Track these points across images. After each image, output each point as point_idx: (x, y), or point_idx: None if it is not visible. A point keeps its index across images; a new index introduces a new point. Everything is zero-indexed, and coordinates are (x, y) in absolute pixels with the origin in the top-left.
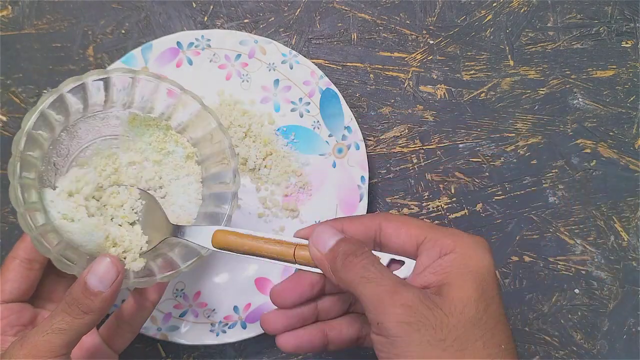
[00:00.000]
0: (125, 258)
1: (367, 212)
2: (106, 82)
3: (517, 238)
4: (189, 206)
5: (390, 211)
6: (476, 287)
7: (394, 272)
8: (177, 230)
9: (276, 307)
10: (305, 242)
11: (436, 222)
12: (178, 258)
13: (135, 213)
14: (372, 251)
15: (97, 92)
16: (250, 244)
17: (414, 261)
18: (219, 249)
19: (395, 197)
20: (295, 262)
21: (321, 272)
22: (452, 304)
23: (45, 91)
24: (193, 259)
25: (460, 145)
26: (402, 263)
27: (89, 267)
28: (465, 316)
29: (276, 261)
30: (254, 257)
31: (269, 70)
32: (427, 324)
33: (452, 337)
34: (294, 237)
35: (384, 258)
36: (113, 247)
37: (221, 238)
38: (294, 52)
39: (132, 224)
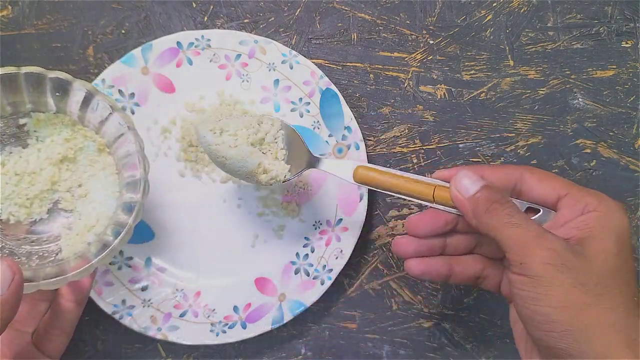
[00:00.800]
0: None
1: (367, 212)
2: (39, 83)
3: None
4: (108, 200)
5: (390, 211)
6: (616, 243)
7: (533, 218)
8: (318, 161)
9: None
10: (444, 184)
11: None
12: (92, 255)
13: (277, 143)
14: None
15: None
16: (391, 181)
17: (551, 211)
18: (360, 183)
19: (395, 197)
20: (433, 202)
21: (457, 213)
22: (594, 254)
23: None
24: (104, 252)
25: (460, 145)
26: (537, 212)
27: None
28: (606, 265)
29: (415, 199)
30: (394, 193)
31: (269, 70)
32: (571, 267)
33: (593, 282)
34: (432, 177)
35: (520, 206)
36: (263, 174)
37: (363, 173)
38: (294, 52)
39: (277, 153)
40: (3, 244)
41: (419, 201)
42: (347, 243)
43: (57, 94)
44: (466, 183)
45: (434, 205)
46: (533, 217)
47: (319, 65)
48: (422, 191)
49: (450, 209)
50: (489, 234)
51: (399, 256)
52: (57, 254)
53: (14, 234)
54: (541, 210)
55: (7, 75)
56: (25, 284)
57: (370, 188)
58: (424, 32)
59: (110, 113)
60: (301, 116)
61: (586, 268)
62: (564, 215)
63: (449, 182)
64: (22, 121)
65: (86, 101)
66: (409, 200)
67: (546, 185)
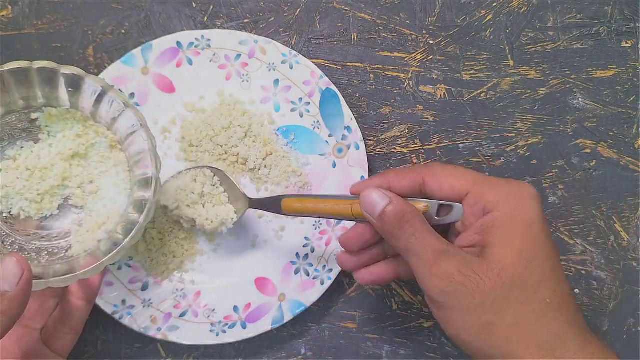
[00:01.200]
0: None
1: None
2: (52, 78)
3: None
4: (119, 197)
5: None
6: (515, 246)
7: (445, 217)
8: (253, 203)
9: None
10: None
11: None
12: (102, 253)
13: (217, 188)
14: (422, 200)
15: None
16: (313, 207)
17: (461, 205)
18: (290, 214)
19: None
20: (355, 218)
21: None
22: (489, 266)
23: None
24: (114, 251)
25: (460, 145)
26: (451, 207)
27: None
28: (502, 278)
29: (339, 219)
30: (320, 217)
31: (269, 70)
32: (465, 291)
33: (490, 300)
34: (350, 193)
35: (433, 205)
36: (209, 225)
37: (289, 205)
38: (294, 52)
39: (220, 198)
40: (13, 239)
41: (344, 220)
42: None
43: (70, 89)
44: (373, 200)
45: (357, 221)
46: (446, 216)
47: (319, 65)
48: (342, 211)
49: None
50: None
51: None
52: (66, 251)
53: (24, 229)
54: (453, 206)
55: (19, 70)
56: (34, 281)
57: (301, 216)
58: (424, 32)
59: (123, 110)
60: (301, 116)
61: (480, 287)
62: (467, 218)
63: None
64: (34, 116)
65: (99, 97)
66: None
67: (447, 188)
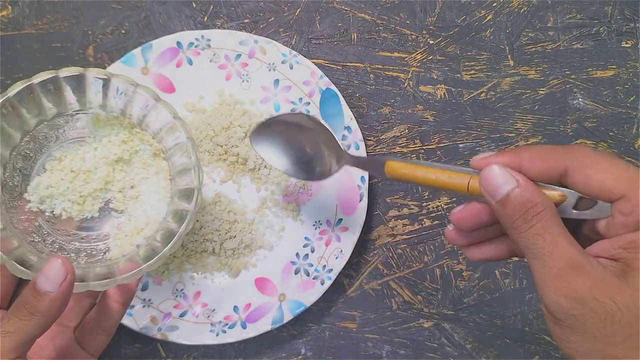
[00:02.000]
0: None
1: (367, 212)
2: (80, 82)
3: None
4: (159, 205)
5: (390, 211)
6: None
7: (585, 212)
8: (353, 160)
9: None
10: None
11: (436, 222)
12: (140, 259)
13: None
14: (559, 188)
15: (70, 94)
16: (422, 176)
17: (609, 204)
18: (393, 178)
19: (395, 197)
20: (469, 194)
21: None
22: (632, 296)
23: None
24: (154, 259)
25: (460, 145)
26: (595, 202)
27: (40, 269)
28: None
29: (450, 191)
30: (428, 186)
31: (269, 70)
32: (595, 317)
33: (623, 334)
34: (471, 165)
35: (571, 195)
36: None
37: (394, 168)
38: (294, 52)
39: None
40: (54, 239)
41: (455, 194)
42: (347, 243)
43: (120, 97)
44: (496, 180)
45: (470, 197)
46: (589, 210)
47: (319, 65)
48: (456, 185)
49: None
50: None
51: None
52: (104, 253)
53: (64, 229)
54: (597, 202)
55: (74, 76)
56: (75, 283)
57: (405, 182)
58: (424, 32)
59: (171, 122)
60: None
61: (615, 318)
62: (615, 226)
63: None
64: (82, 119)
65: (148, 107)
66: (408, 201)
67: (595, 184)
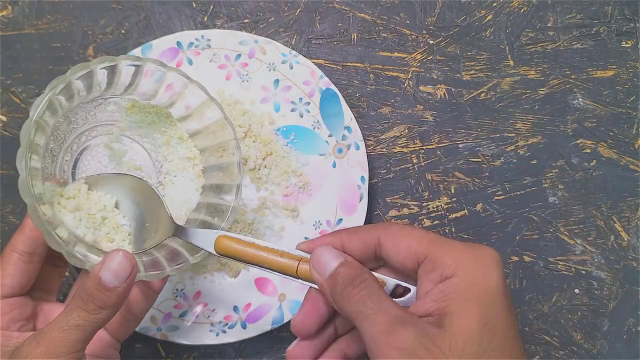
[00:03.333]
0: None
1: (367, 212)
2: (113, 69)
3: (517, 238)
4: (189, 196)
5: (390, 211)
6: (479, 316)
7: (400, 299)
8: (180, 231)
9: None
10: (308, 256)
11: (436, 222)
12: (182, 249)
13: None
14: (379, 275)
15: (103, 79)
16: (253, 254)
17: (416, 289)
18: (222, 255)
19: (395, 197)
20: (297, 278)
21: None
22: (452, 339)
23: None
24: (199, 254)
25: (460, 145)
26: (408, 290)
27: (101, 262)
28: (466, 352)
29: (280, 274)
30: (256, 267)
31: (269, 70)
32: None
33: None
34: (296, 249)
35: (389, 283)
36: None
37: (224, 244)
38: (294, 52)
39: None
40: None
41: (285, 277)
42: None
43: (170, 92)
44: (324, 261)
45: (299, 280)
46: (405, 297)
47: (319, 65)
48: (286, 266)
49: (316, 285)
50: (350, 321)
51: None
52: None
53: None
54: (411, 288)
55: (134, 63)
56: None
57: (234, 260)
58: (424, 32)
59: (221, 118)
60: (301, 116)
61: (444, 358)
62: (424, 285)
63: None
64: (117, 102)
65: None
66: (408, 201)
67: (403, 250)
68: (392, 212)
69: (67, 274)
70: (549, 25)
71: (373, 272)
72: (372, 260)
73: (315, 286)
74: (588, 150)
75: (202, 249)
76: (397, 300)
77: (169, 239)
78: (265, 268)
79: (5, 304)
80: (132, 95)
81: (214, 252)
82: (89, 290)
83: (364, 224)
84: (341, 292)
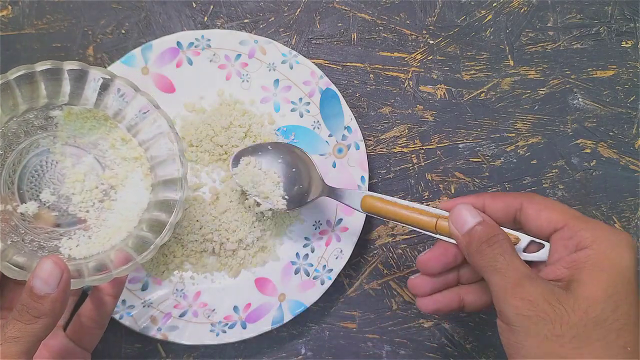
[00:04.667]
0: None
1: None
2: (56, 72)
3: None
4: (140, 197)
5: None
6: (606, 287)
7: (532, 254)
8: (332, 191)
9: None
10: (446, 214)
11: None
12: (132, 251)
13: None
14: (513, 232)
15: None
16: (395, 211)
17: (549, 246)
18: (368, 212)
19: (395, 197)
20: (436, 233)
21: None
22: (576, 301)
23: None
24: (148, 250)
25: (460, 145)
26: (542, 246)
27: (33, 272)
28: (588, 315)
29: (418, 229)
30: (399, 222)
31: (269, 70)
32: (546, 318)
33: (570, 334)
34: (438, 207)
35: (524, 240)
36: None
37: (369, 203)
38: (294, 52)
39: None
40: (32, 237)
41: (424, 232)
42: (347, 243)
43: (99, 90)
44: (464, 217)
45: (437, 235)
46: (537, 252)
47: (319, 65)
48: (425, 222)
49: (452, 240)
50: (480, 274)
51: (417, 295)
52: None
53: (41, 227)
54: (545, 245)
55: (50, 70)
56: (72, 280)
57: (378, 217)
58: (424, 32)
59: (149, 112)
60: (301, 116)
61: (564, 319)
62: (557, 251)
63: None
64: (52, 113)
65: (126, 99)
66: (409, 200)
67: (544, 217)
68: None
69: None
70: (549, 25)
71: (509, 230)
72: (509, 223)
73: (452, 240)
74: (588, 150)
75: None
76: (530, 255)
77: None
78: (407, 224)
79: None
80: (74, 105)
81: (361, 210)
82: (23, 301)
83: (365, 224)
84: (477, 248)
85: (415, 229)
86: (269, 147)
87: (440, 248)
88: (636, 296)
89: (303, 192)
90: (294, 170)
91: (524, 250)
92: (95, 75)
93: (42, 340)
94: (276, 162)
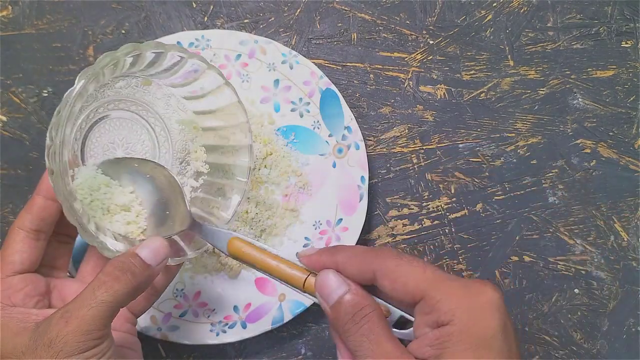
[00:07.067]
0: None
1: (367, 212)
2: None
3: (517, 238)
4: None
5: (390, 211)
6: None
7: (402, 332)
8: (196, 226)
9: None
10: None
11: (436, 222)
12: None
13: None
14: (384, 303)
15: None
16: (263, 261)
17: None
18: (234, 257)
19: (395, 197)
20: (304, 292)
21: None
22: None
23: (45, 91)
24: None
25: (460, 145)
26: (410, 322)
27: (141, 243)
28: None
29: (286, 284)
30: (264, 273)
31: (269, 70)
32: None
33: None
34: (297, 257)
35: (394, 314)
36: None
37: (237, 247)
38: (294, 52)
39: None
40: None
41: (292, 288)
42: (347, 243)
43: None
44: (330, 287)
45: (305, 294)
46: (406, 331)
47: (319, 65)
48: (294, 278)
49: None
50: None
51: None
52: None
53: None
54: (413, 319)
55: (157, 53)
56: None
57: (243, 263)
58: (424, 32)
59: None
60: (301, 116)
61: None
62: (419, 327)
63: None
64: (130, 82)
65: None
66: (408, 201)
67: (400, 289)
68: (392, 212)
69: None
70: (549, 25)
71: (380, 300)
72: (370, 287)
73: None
74: (588, 150)
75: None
76: (401, 332)
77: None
78: (274, 277)
79: (18, 281)
80: (159, 79)
81: (226, 253)
82: (123, 265)
83: (364, 224)
84: (343, 327)
85: (282, 283)
86: (135, 164)
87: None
88: (508, 355)
89: (162, 222)
90: (158, 196)
91: (395, 324)
92: (193, 62)
93: (122, 307)
94: (140, 181)
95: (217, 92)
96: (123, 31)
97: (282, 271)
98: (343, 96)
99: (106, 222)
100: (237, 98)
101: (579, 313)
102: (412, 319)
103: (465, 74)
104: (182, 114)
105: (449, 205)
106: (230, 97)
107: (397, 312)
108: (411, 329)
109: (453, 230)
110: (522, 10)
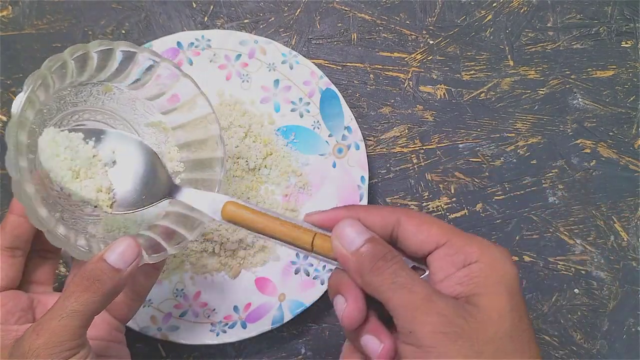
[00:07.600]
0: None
1: None
2: (108, 54)
3: (517, 238)
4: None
5: None
6: (509, 297)
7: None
8: (178, 191)
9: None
10: (324, 232)
11: None
12: (179, 227)
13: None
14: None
15: (95, 63)
16: (265, 223)
17: (429, 272)
18: (229, 221)
19: (395, 197)
20: (312, 251)
21: (339, 266)
22: (486, 314)
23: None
24: (197, 228)
25: (460, 145)
26: (423, 271)
27: (108, 246)
28: (502, 326)
29: (291, 246)
30: (267, 237)
31: (269, 70)
32: (464, 335)
33: (490, 350)
34: (304, 220)
35: (406, 263)
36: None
37: (232, 211)
38: (294, 52)
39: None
40: (69, 215)
41: (296, 249)
42: None
43: (144, 70)
44: (350, 235)
45: (312, 254)
46: (421, 277)
47: (319, 65)
48: (300, 238)
49: (331, 260)
50: (375, 296)
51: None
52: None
53: (76, 204)
54: (426, 270)
55: (104, 51)
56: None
57: (239, 227)
58: (424, 32)
59: (197, 94)
60: (301, 116)
61: (480, 334)
62: (443, 269)
63: (329, 230)
64: (91, 90)
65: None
66: (408, 201)
67: (424, 232)
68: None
69: (62, 270)
70: (548, 25)
71: None
72: (386, 240)
73: (332, 262)
74: (588, 150)
75: (204, 218)
76: None
77: (164, 216)
78: (277, 239)
79: (1, 297)
80: (118, 83)
81: (219, 219)
82: (91, 273)
83: None
84: (371, 265)
85: (287, 245)
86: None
87: (357, 301)
88: (526, 310)
89: (140, 190)
90: (135, 162)
91: None
92: (144, 57)
93: (96, 315)
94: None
95: (174, 86)
96: (123, 31)
97: (287, 232)
98: (343, 96)
99: (76, 186)
100: (198, 89)
101: (578, 313)
102: (424, 267)
103: (465, 74)
104: (149, 117)
105: (449, 205)
106: (190, 90)
107: (410, 263)
108: (424, 275)
109: None
110: (522, 10)
